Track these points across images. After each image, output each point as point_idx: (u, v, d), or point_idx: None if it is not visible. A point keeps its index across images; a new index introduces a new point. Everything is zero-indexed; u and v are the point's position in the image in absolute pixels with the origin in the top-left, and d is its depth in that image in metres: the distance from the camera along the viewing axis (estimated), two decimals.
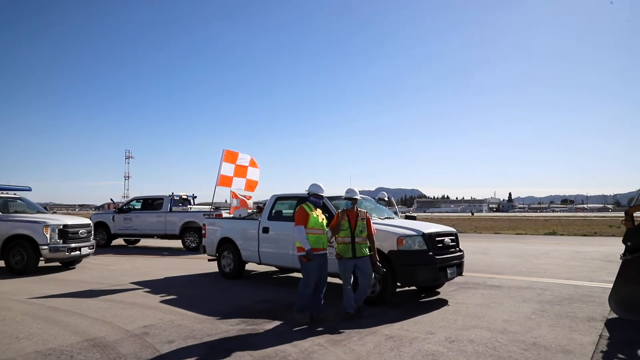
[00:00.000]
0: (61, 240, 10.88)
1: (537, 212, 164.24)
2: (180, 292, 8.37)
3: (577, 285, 8.86)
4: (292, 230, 7.26)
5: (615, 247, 17.28)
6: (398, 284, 7.06)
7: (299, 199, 8.67)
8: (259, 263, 9.35)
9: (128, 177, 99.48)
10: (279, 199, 9.35)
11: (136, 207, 18.20)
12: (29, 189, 12.88)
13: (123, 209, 18.11)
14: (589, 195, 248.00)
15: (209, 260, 10.60)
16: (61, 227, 10.94)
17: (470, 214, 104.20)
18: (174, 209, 17.40)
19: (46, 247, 10.61)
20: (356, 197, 6.56)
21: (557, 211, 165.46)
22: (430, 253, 6.99)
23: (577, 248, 17.18)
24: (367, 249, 6.40)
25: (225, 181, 10.76)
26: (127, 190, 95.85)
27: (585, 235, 25.06)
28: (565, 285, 8.87)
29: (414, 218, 9.82)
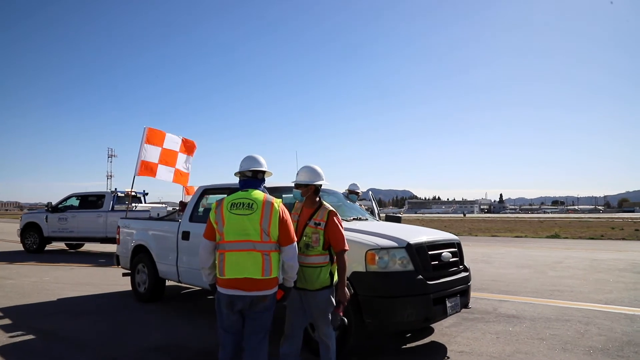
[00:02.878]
0: None
1: (528, 213, 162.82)
2: (52, 326, 5.64)
3: (629, 316, 6.23)
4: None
5: (636, 253, 14.80)
6: (367, 323, 4.38)
7: (231, 191, 5.97)
8: (178, 282, 6.63)
9: (111, 176, 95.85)
10: (207, 191, 6.64)
11: (74, 205, 15.34)
12: None
13: (58, 207, 15.23)
14: (579, 196, 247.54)
15: (124, 274, 7.86)
16: None
17: (462, 215, 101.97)
18: (117, 207, 14.59)
19: None
20: (311, 183, 3.60)
21: (548, 212, 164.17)
22: (420, 277, 4.31)
23: (592, 254, 14.62)
24: (321, 279, 3.45)
25: (147, 169, 7.97)
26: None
27: (592, 239, 22.60)
28: (612, 315, 6.23)
29: (397, 220, 6.99)
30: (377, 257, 4.23)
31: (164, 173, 8.11)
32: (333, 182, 5.65)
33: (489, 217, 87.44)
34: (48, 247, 15.99)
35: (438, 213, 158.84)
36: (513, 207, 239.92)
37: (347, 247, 3.50)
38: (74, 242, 16.16)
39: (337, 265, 3.50)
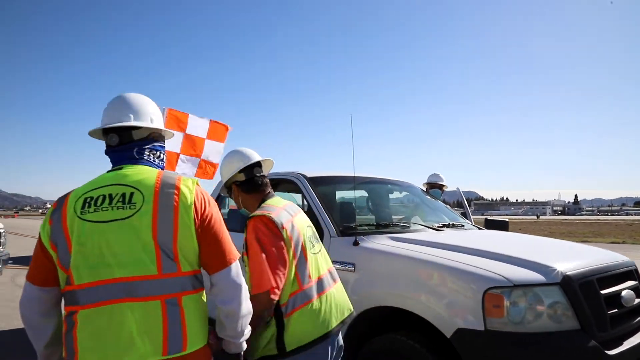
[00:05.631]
0: None
1: (607, 215, 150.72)
2: None
3: None
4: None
5: None
6: None
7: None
8: None
9: None
10: None
11: None
12: None
13: None
14: None
15: None
16: None
17: (535, 217, 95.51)
18: None
19: None
20: (229, 176, 2.28)
21: (631, 214, 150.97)
22: (593, 342, 2.22)
23: None
24: (260, 346, 1.91)
25: (166, 160, 6.34)
26: None
27: None
28: None
29: (503, 226, 4.46)
30: (506, 303, 2.21)
31: (186, 165, 6.45)
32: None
33: (565, 219, 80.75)
34: None
35: (507, 215, 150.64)
36: (590, 208, 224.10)
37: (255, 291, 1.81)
38: None
39: None
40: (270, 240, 1.89)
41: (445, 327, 2.30)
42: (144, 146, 1.59)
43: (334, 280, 2.15)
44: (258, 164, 2.22)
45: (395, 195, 4.37)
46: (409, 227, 3.33)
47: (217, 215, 1.52)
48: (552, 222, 54.63)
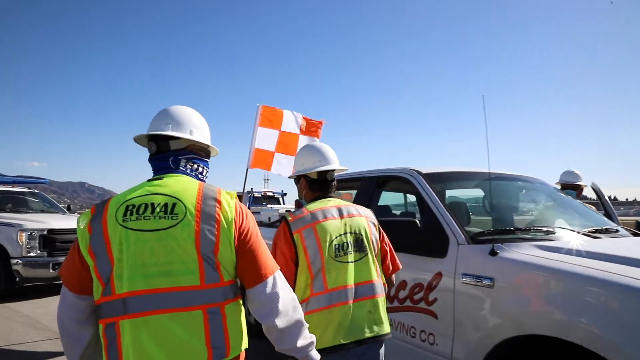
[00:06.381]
0: (45, 252, 7.53)
1: None
2: None
3: None
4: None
5: None
6: None
7: (363, 182, 3.69)
8: None
9: (267, 179, 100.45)
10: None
11: None
12: (45, 182, 9.98)
13: None
14: None
15: None
16: (45, 232, 7.56)
17: None
18: (252, 209, 13.51)
19: (20, 261, 7.26)
20: (302, 172, 2.34)
21: None
22: None
23: None
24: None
25: (261, 159, 6.15)
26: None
27: None
28: None
29: None
30: None
31: (282, 164, 6.21)
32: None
33: None
34: None
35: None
36: None
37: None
38: None
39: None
40: (281, 244, 2.04)
41: None
42: (180, 156, 1.58)
43: (365, 295, 2.05)
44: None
45: (522, 193, 3.75)
46: (554, 233, 2.73)
47: (254, 229, 1.52)
48: None
